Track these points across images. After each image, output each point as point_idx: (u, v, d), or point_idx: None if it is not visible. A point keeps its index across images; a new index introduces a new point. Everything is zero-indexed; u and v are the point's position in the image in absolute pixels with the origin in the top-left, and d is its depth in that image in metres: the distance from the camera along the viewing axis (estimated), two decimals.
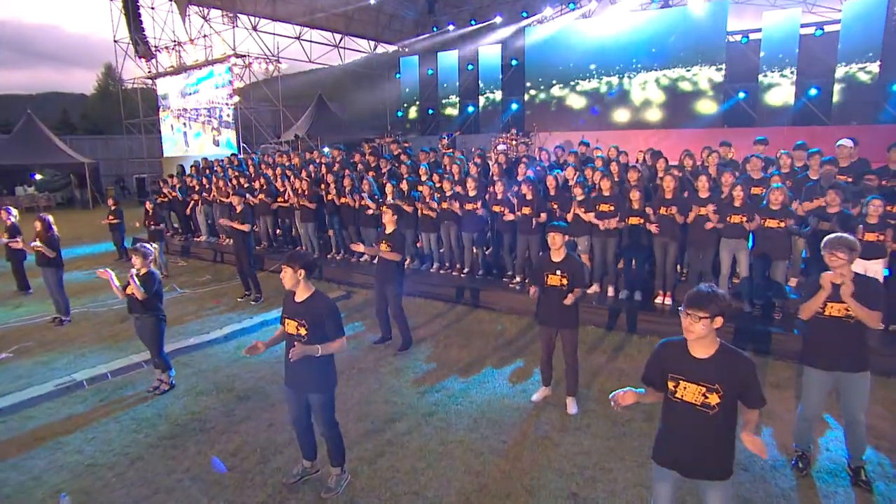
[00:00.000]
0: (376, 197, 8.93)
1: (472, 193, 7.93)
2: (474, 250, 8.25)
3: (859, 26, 14.92)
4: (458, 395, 5.01)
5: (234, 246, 8.39)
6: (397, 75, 26.30)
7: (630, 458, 3.96)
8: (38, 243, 7.22)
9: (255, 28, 24.90)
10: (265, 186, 10.77)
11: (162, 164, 24.00)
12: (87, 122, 39.82)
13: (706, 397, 2.41)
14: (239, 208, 8.16)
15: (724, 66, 16.97)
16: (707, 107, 17.60)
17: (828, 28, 16.71)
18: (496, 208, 7.67)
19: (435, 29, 25.63)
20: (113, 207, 11.40)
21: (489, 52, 22.61)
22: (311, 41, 27.20)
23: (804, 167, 6.96)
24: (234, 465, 4.00)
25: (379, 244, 5.94)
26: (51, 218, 7.61)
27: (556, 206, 7.15)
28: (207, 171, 13.10)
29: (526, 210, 7.17)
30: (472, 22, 23.73)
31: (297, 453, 4.00)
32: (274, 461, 4.06)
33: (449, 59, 23.92)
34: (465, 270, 8.33)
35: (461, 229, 8.12)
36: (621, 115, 19.68)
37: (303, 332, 3.45)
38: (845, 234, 3.42)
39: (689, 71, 17.69)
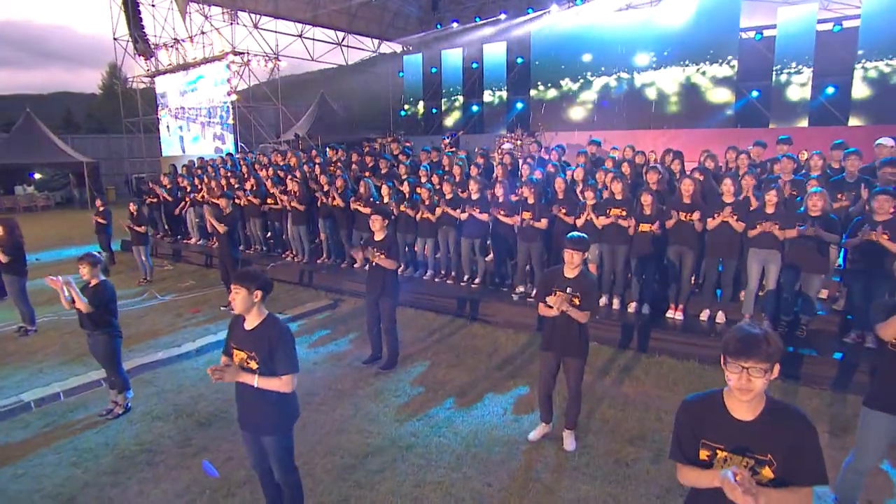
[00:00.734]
0: (373, 200, 8.41)
1: (474, 196, 7.37)
2: (474, 257, 7.67)
3: (881, 21, 14.22)
4: (443, 424, 4.45)
5: (217, 250, 7.88)
6: (400, 73, 25.79)
7: None
8: None
9: (256, 26, 24.51)
10: (255, 188, 10.28)
11: (161, 164, 23.61)
12: (93, 121, 39.70)
13: (756, 472, 1.82)
14: (227, 210, 7.67)
15: (736, 64, 16.31)
16: (719, 106, 16.94)
17: (846, 24, 15.99)
18: (497, 212, 7.09)
19: (439, 26, 25.11)
20: (101, 209, 10.96)
21: (494, 50, 22.05)
22: (313, 39, 26.79)
23: (839, 169, 6.36)
24: None
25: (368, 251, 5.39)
26: (16, 221, 7.12)
27: (563, 212, 6.56)
28: (200, 172, 12.65)
29: (526, 215, 6.61)
30: (477, 19, 23.18)
31: (253, 496, 3.48)
32: None
33: (453, 58, 23.39)
34: (466, 278, 7.78)
35: (460, 234, 7.56)
36: (629, 115, 19.03)
37: (253, 365, 2.90)
38: None
39: (700, 68, 17.06)
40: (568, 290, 3.76)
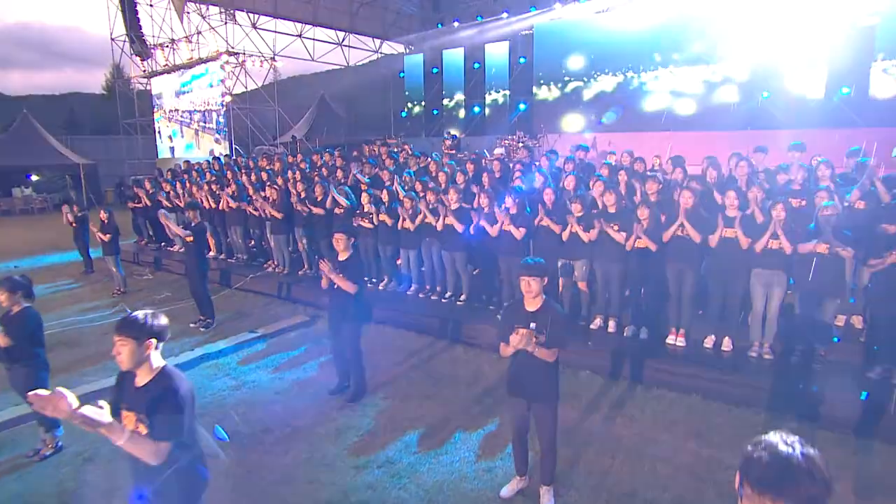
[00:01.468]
0: (350, 206, 7.90)
1: (453, 206, 6.83)
2: (458, 272, 7.11)
3: None
4: (405, 472, 3.90)
5: (186, 261, 7.38)
6: (401, 74, 25.29)
7: None
8: None
9: (254, 26, 24.10)
10: (236, 194, 9.78)
11: (157, 166, 23.25)
12: (97, 122, 39.55)
13: None
14: (195, 221, 7.18)
15: (744, 63, 15.63)
16: (728, 107, 16.27)
17: (862, 22, 15.23)
18: (480, 221, 6.52)
19: (440, 26, 24.57)
20: (78, 214, 10.54)
21: (496, 50, 21.49)
22: (313, 39, 26.33)
23: (853, 179, 5.76)
24: None
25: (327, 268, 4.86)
26: None
27: (552, 224, 6.00)
28: (185, 176, 12.20)
29: (508, 226, 6.05)
30: (479, 18, 22.60)
31: None
32: None
33: (454, 58, 22.87)
34: (448, 295, 7.23)
35: (443, 247, 7.02)
36: (635, 116, 18.40)
37: (143, 429, 2.36)
38: None
39: (709, 68, 16.39)
40: (532, 325, 3.20)
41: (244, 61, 18.99)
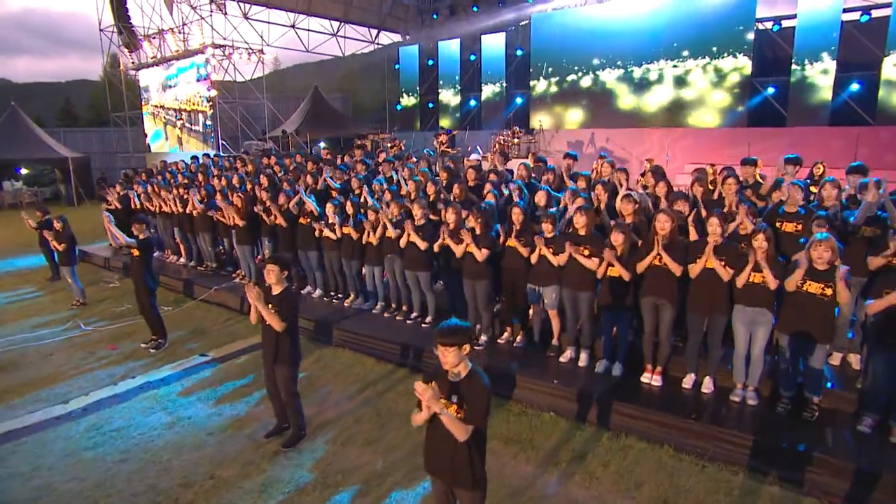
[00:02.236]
0: (318, 214, 7.40)
1: (419, 222, 6.30)
2: (422, 291, 6.60)
3: None
4: None
5: (132, 277, 6.89)
6: (396, 66, 24.64)
7: None
8: None
9: (245, 16, 23.51)
10: (205, 199, 9.30)
11: (146, 161, 22.81)
12: (95, 112, 39.09)
13: None
14: (141, 236, 6.69)
15: (751, 57, 14.93)
16: (731, 103, 15.59)
17: (875, 13, 14.44)
18: (446, 242, 5.97)
19: (435, 16, 23.88)
20: (42, 219, 10.06)
21: (493, 41, 20.80)
22: (307, 30, 25.70)
23: (852, 197, 5.17)
24: None
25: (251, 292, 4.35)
26: None
27: (519, 246, 5.47)
28: (159, 178, 11.73)
29: (471, 248, 5.53)
30: (475, 8, 21.90)
31: None
32: None
33: (450, 49, 22.21)
34: (414, 315, 6.73)
35: (406, 266, 6.50)
36: (634, 112, 17.76)
37: None
38: None
39: (712, 62, 15.69)
40: (453, 397, 2.70)
41: (231, 54, 18.40)
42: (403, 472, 4.19)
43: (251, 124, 21.84)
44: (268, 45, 23.75)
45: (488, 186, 6.69)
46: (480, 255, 5.48)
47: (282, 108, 27.20)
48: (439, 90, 22.75)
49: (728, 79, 15.44)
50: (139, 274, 6.61)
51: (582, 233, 5.10)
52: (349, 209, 7.12)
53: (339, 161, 10.61)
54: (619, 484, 3.95)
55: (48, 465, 4.42)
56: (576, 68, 18.51)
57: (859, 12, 14.57)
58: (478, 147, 17.96)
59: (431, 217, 6.68)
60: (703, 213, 5.42)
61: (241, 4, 23.02)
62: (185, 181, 10.96)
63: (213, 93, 17.83)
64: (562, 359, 5.43)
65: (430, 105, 23.57)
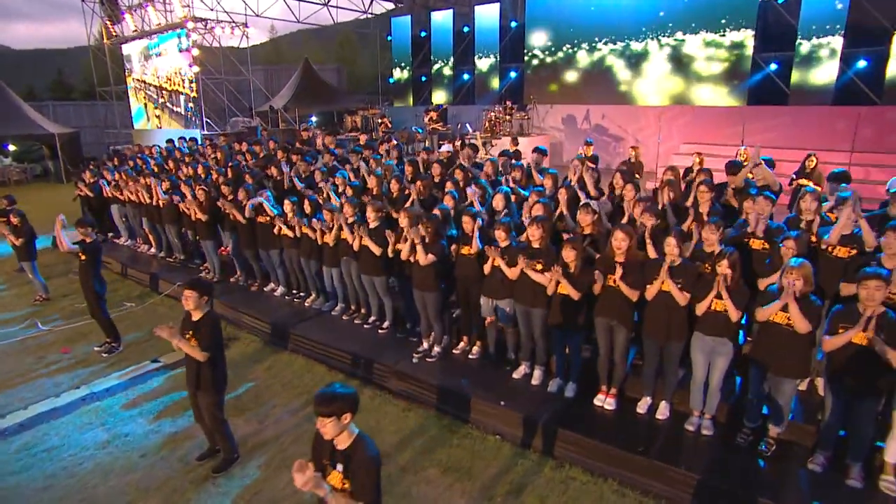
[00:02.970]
0: (276, 215, 7.08)
1: (372, 224, 5.97)
2: (378, 295, 6.31)
3: None
4: None
5: (80, 281, 6.61)
6: (389, 38, 23.84)
7: None
8: None
9: None
10: (170, 190, 8.97)
11: (133, 138, 22.40)
12: (86, 84, 38.34)
13: None
14: (88, 240, 6.40)
15: (754, 31, 14.20)
16: (731, 80, 14.92)
17: None
18: (399, 247, 5.65)
19: None
20: (7, 207, 9.77)
21: (486, 11, 19.97)
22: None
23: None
24: None
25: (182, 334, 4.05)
26: None
27: (472, 253, 5.16)
28: (130, 164, 11.38)
29: (420, 256, 5.21)
30: None
31: None
32: None
33: (443, 20, 21.39)
34: (372, 319, 6.47)
35: (361, 269, 6.20)
36: (630, 88, 17.11)
37: None
38: None
39: (712, 36, 14.97)
40: (339, 466, 2.44)
41: (213, 27, 17.73)
42: None
43: (238, 99, 21.28)
44: (257, 15, 22.94)
45: (449, 186, 6.31)
46: (424, 259, 5.15)
47: (276, 80, 26.52)
48: (432, 63, 22.02)
49: (729, 53, 14.73)
50: (86, 278, 6.35)
51: (536, 245, 4.76)
52: (307, 208, 6.79)
53: (329, 139, 10.10)
54: None
55: None
56: (572, 41, 17.77)
57: None
58: (468, 125, 17.41)
59: (394, 215, 6.37)
60: (672, 221, 5.08)
61: None
62: (156, 168, 10.64)
63: (196, 69, 17.23)
64: (515, 374, 5.16)
65: (423, 79, 22.87)
